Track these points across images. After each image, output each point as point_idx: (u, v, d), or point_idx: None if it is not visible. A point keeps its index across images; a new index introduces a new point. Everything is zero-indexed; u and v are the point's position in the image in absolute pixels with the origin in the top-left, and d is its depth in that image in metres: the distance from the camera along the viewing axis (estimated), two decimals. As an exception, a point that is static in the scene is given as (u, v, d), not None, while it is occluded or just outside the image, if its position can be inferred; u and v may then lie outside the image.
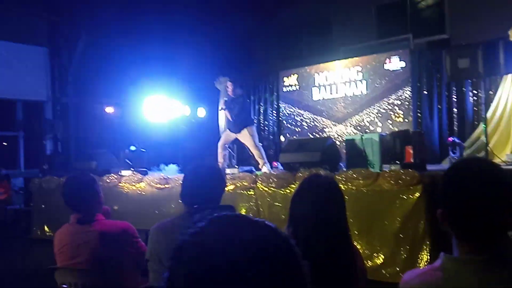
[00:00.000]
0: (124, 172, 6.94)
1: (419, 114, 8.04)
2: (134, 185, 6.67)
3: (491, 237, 1.38)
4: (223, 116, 7.40)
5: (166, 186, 6.35)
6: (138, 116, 8.88)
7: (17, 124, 9.86)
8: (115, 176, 6.87)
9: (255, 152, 6.88)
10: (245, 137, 6.97)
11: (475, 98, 7.44)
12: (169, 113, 9.01)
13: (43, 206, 7.55)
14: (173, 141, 8.22)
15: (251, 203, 5.73)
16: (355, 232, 5.03)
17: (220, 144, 7.24)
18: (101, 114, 9.37)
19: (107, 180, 6.85)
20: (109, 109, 9.35)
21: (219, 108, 7.70)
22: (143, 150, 7.52)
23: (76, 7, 9.36)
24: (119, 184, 6.79)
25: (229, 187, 5.90)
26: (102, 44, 9.54)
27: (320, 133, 8.98)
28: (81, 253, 2.71)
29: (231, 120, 7.09)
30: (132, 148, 7.45)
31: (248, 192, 5.79)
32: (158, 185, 6.44)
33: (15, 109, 9.91)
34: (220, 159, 7.15)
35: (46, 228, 7.42)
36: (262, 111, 10.03)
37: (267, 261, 0.73)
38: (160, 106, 8.94)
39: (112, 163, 7.40)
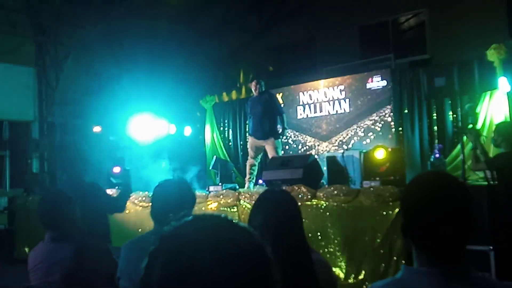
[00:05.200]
0: (108, 191, 6.92)
1: (400, 132, 8.18)
2: (118, 204, 6.65)
3: (450, 249, 1.40)
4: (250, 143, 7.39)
5: (150, 204, 6.35)
6: (124, 135, 8.92)
7: (3, 144, 9.84)
8: (99, 195, 6.84)
9: None
10: (269, 146, 6.98)
11: (455, 116, 7.60)
12: (155, 131, 9.06)
13: (26, 225, 7.50)
14: (158, 159, 8.23)
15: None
16: (336, 248, 5.09)
17: (248, 163, 7.20)
18: (88, 133, 9.39)
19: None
20: (96, 128, 9.38)
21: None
22: (128, 168, 7.54)
23: (63, 28, 9.46)
24: (103, 202, 6.77)
25: (212, 205, 5.94)
26: (89, 64, 9.62)
27: (304, 151, 9.08)
28: (55, 271, 2.70)
29: (255, 123, 7.06)
30: (117, 167, 7.47)
31: (231, 209, 5.83)
32: (142, 203, 6.45)
33: (2, 129, 9.90)
34: (247, 181, 7.11)
35: (27, 248, 7.36)
36: (247, 129, 10.12)
37: (239, 264, 0.74)
38: (146, 125, 9.00)
39: (97, 182, 7.38)
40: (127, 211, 6.57)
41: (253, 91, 7.15)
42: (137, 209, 6.52)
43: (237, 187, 6.79)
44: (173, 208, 2.44)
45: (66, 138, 9.96)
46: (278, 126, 7.19)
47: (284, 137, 8.75)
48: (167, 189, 2.57)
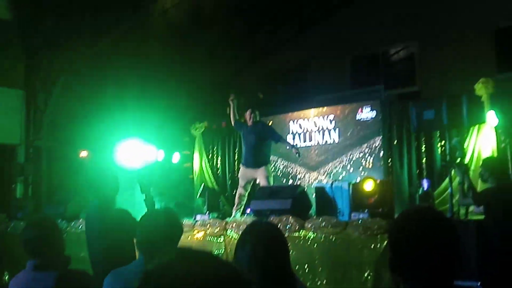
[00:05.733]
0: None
1: (389, 164, 8.18)
2: (102, 231, 6.54)
3: (438, 285, 1.40)
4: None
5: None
6: (111, 161, 8.81)
7: (-13, 168, 9.70)
8: (84, 222, 6.72)
9: None
10: (262, 175, 6.90)
11: (443, 149, 7.63)
12: (142, 158, 8.97)
13: (7, 252, 7.32)
14: (145, 185, 8.12)
15: (221, 251, 5.67)
16: (324, 281, 5.00)
17: (238, 193, 7.12)
18: (75, 158, 9.28)
19: (76, 226, 6.72)
20: (83, 154, 9.28)
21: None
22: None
23: (54, 51, 9.45)
24: (88, 229, 6.65)
25: (198, 234, 5.85)
26: (78, 88, 9.58)
27: (294, 180, 9.03)
28: (35, 300, 2.63)
29: (248, 153, 6.99)
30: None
31: (218, 239, 5.74)
32: (127, 231, 6.33)
33: (-14, 152, 9.77)
34: (234, 210, 7.01)
35: (7, 276, 7.17)
36: (236, 158, 10.07)
37: None
38: (134, 151, 8.91)
39: (82, 208, 7.28)
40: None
41: (247, 120, 7.13)
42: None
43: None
44: (160, 240, 2.41)
45: (53, 163, 9.84)
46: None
47: (273, 165, 8.72)
48: (154, 220, 2.55)
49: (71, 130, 9.52)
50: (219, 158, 10.38)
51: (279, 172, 9.29)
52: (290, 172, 9.23)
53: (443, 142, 7.61)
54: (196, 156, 10.05)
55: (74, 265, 2.97)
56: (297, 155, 7.08)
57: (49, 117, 9.88)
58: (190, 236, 5.87)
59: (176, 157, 9.69)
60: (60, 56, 9.53)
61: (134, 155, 8.92)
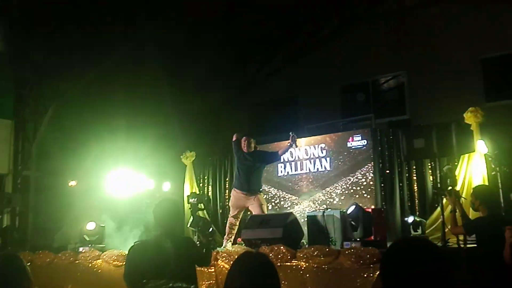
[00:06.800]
0: (81, 249, 6.71)
1: (382, 192, 8.16)
2: (90, 262, 6.41)
3: None
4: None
5: (124, 263, 6.12)
6: (101, 191, 8.73)
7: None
8: (71, 253, 6.62)
9: None
10: (256, 203, 6.82)
11: (434, 177, 7.64)
12: (133, 187, 8.90)
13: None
14: (136, 215, 8.03)
15: (211, 281, 5.56)
16: (316, 312, 4.90)
17: (229, 222, 7.02)
18: (63, 188, 9.17)
19: (63, 257, 6.59)
20: (72, 183, 9.19)
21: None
22: (103, 225, 7.32)
23: (44, 82, 9.47)
24: (75, 261, 6.53)
25: (189, 265, 5.73)
26: (68, 118, 9.55)
27: (285, 209, 8.96)
28: None
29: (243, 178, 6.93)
30: (92, 223, 7.25)
31: (209, 269, 5.63)
32: (116, 262, 6.21)
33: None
34: (225, 240, 6.93)
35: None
36: (228, 186, 10.01)
37: None
38: (124, 180, 8.85)
39: (70, 239, 7.16)
40: (99, 270, 6.33)
41: (242, 146, 7.08)
42: (111, 268, 6.26)
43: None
44: (149, 273, 2.36)
45: (41, 193, 9.71)
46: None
47: (265, 194, 8.65)
48: (143, 252, 2.49)
49: (60, 160, 9.44)
50: (210, 187, 10.31)
51: (271, 201, 9.23)
52: (282, 201, 9.17)
53: (434, 170, 7.63)
54: (187, 185, 9.96)
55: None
56: (293, 143, 7.03)
57: (38, 147, 9.80)
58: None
59: (166, 186, 9.61)
60: (50, 87, 9.55)
61: (124, 184, 8.86)
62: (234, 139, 7.25)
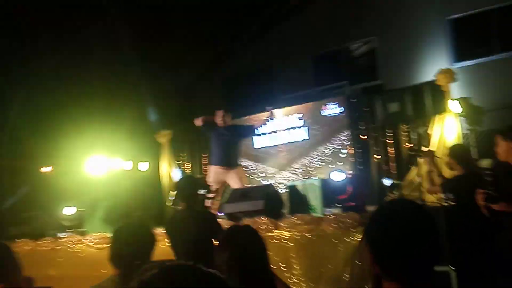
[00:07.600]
0: (60, 234, 6.61)
1: (359, 158, 8.24)
2: (72, 248, 6.34)
3: (419, 274, 1.40)
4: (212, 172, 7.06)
5: (106, 245, 6.07)
6: (76, 175, 8.59)
7: None
8: (51, 239, 6.53)
9: None
10: (236, 176, 6.79)
11: (410, 139, 7.73)
12: (109, 169, 8.79)
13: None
14: (114, 197, 7.95)
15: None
16: (301, 279, 4.97)
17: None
18: (37, 175, 8.99)
19: (42, 244, 6.50)
20: (46, 169, 9.00)
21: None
22: (82, 209, 7.22)
23: (12, 64, 9.13)
24: (56, 247, 6.44)
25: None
26: (39, 102, 9.28)
27: (264, 181, 8.99)
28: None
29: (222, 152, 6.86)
30: (69, 208, 7.12)
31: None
32: (98, 245, 6.15)
33: None
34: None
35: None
36: (206, 163, 9.96)
37: None
38: (101, 163, 8.72)
39: (48, 225, 7.05)
40: (81, 254, 6.28)
41: (219, 121, 6.93)
42: (93, 252, 6.21)
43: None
44: (135, 253, 2.40)
45: (16, 180, 9.51)
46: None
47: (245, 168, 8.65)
48: (130, 233, 2.52)
49: (33, 146, 9.22)
50: (189, 164, 10.25)
51: (250, 174, 9.24)
52: (261, 172, 9.20)
53: (409, 133, 7.72)
54: (164, 164, 9.88)
55: (42, 284, 2.85)
56: (272, 117, 7.05)
57: (10, 133, 9.53)
58: (164, 245, 5.74)
59: (144, 167, 9.52)
60: (20, 68, 9.21)
61: (101, 167, 8.74)
62: (200, 123, 7.13)
